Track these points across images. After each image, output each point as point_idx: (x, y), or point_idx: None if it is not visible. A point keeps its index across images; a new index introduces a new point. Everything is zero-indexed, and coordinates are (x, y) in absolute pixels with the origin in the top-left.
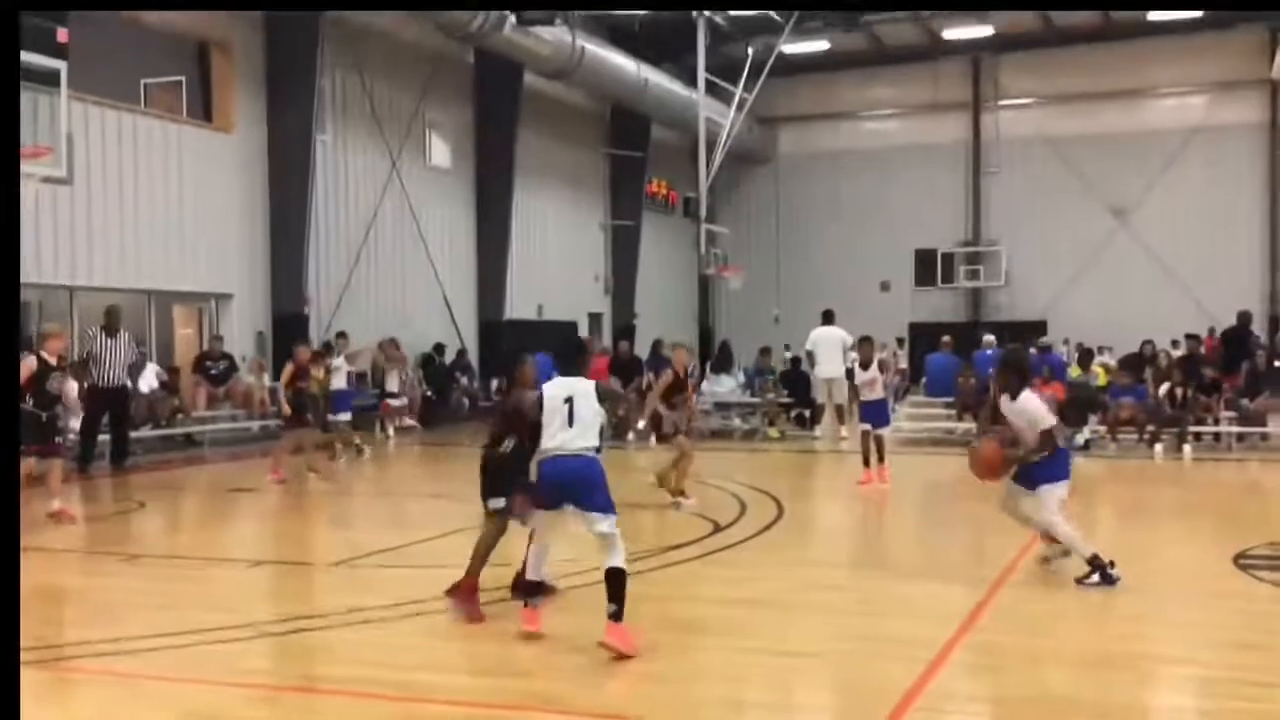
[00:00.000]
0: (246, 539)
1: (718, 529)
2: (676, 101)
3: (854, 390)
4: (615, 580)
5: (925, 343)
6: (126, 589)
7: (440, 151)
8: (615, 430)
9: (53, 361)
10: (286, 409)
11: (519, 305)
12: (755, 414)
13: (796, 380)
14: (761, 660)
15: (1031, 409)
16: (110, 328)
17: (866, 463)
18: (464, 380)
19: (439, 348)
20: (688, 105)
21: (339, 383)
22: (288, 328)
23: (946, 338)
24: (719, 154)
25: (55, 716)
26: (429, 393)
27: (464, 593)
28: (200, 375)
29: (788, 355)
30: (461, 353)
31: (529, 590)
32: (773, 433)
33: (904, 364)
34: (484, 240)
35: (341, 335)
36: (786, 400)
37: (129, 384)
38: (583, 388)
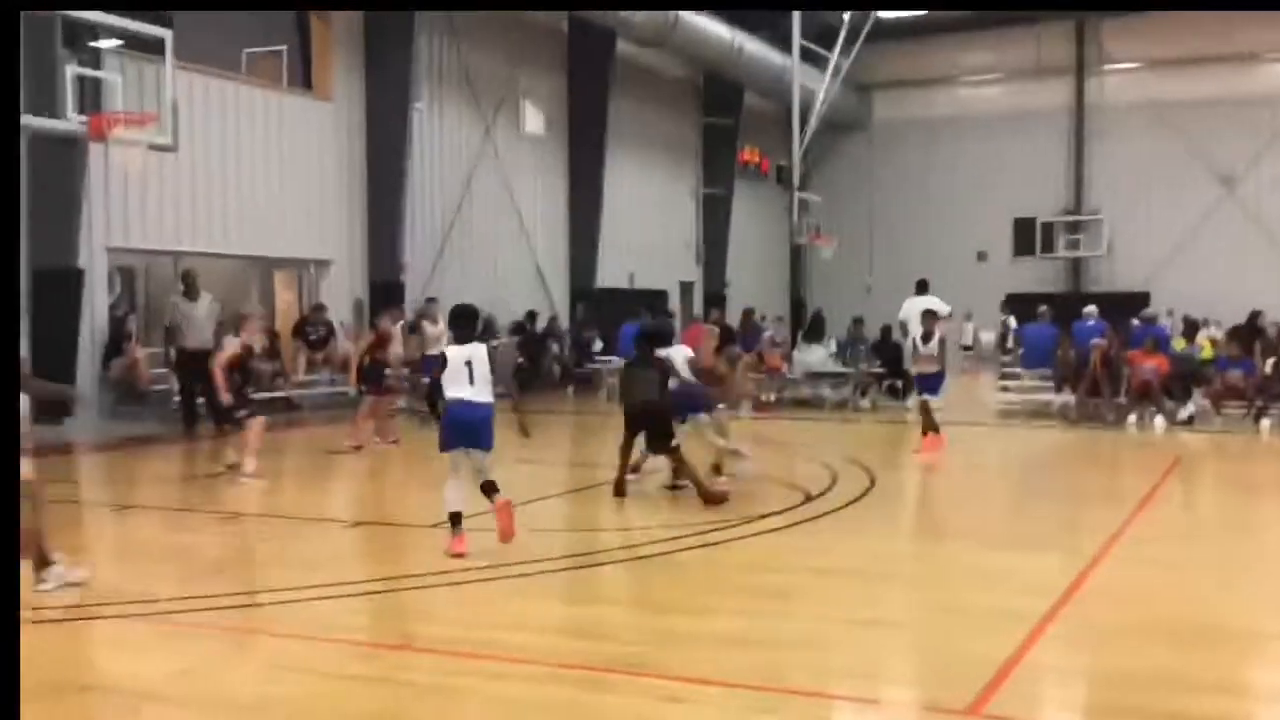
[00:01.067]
0: (343, 500)
1: (808, 499)
2: (770, 69)
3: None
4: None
5: (1023, 314)
6: (228, 547)
7: (534, 119)
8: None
9: (254, 344)
10: (353, 378)
11: (610, 273)
12: (847, 384)
13: (889, 350)
14: (850, 629)
15: None
16: (189, 291)
17: (925, 432)
18: (555, 348)
19: (531, 315)
20: (782, 72)
21: (437, 349)
22: (384, 294)
23: (1044, 308)
24: (813, 121)
25: (158, 669)
26: (521, 360)
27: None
28: (300, 340)
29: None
30: (553, 320)
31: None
32: (865, 403)
33: (990, 335)
34: (576, 208)
35: (432, 300)
36: (879, 371)
37: (213, 348)
38: (479, 352)
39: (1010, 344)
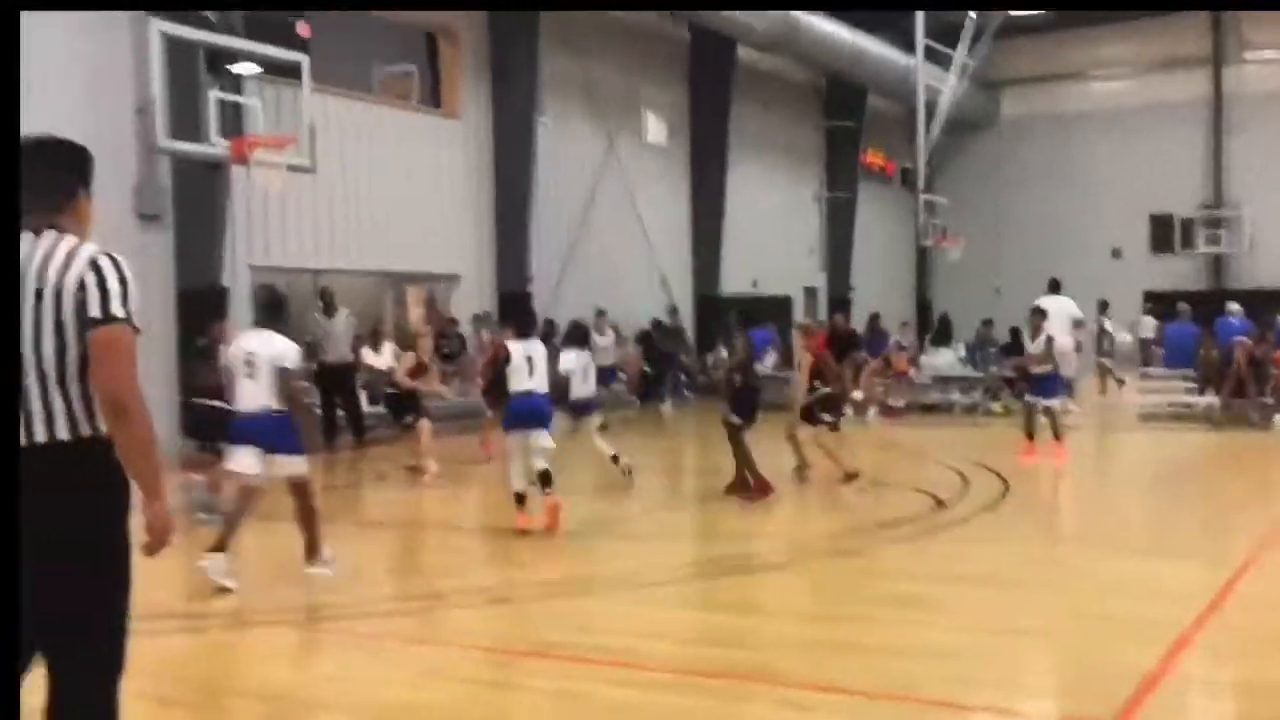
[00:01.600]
0: (476, 509)
1: (940, 505)
2: (893, 69)
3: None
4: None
5: (1162, 312)
6: (365, 555)
7: (656, 129)
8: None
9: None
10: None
11: (734, 280)
12: (976, 388)
13: (1020, 353)
14: (988, 639)
15: None
16: (328, 308)
17: (1029, 436)
18: (681, 355)
19: (656, 324)
20: (905, 73)
21: (606, 360)
22: (513, 306)
23: (1184, 306)
24: (938, 121)
25: (300, 675)
26: (647, 368)
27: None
28: (433, 353)
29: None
30: (679, 328)
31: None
32: (996, 408)
33: (1127, 335)
34: (699, 215)
35: (601, 313)
36: (1009, 374)
37: (353, 361)
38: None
39: (1144, 340)
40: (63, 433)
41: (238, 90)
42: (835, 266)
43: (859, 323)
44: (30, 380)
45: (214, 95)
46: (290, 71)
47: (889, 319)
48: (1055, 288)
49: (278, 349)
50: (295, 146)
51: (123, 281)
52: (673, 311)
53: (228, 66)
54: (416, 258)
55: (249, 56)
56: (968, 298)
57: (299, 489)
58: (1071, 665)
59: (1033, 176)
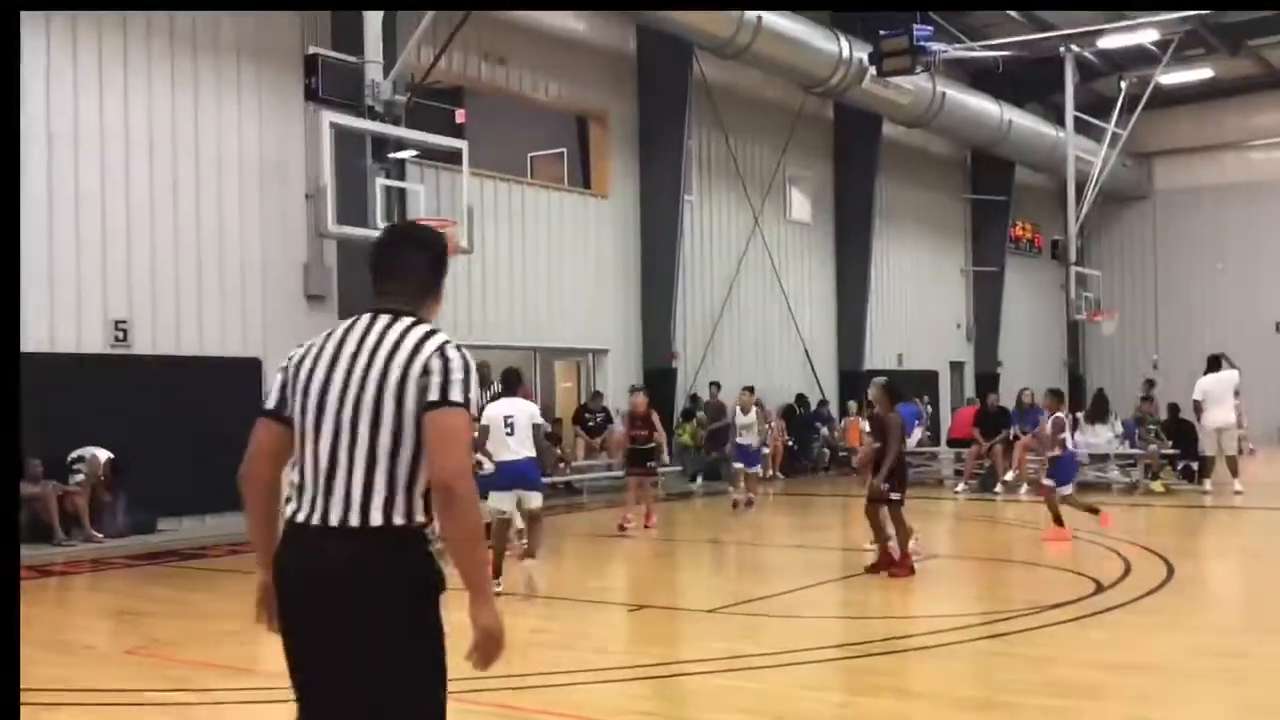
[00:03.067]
0: (625, 583)
1: (1100, 589)
2: (1042, 142)
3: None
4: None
5: None
6: (521, 627)
7: (800, 205)
8: (983, 482)
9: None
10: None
11: (879, 354)
12: (1136, 466)
13: (1181, 430)
14: None
15: None
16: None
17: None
18: (824, 430)
19: (800, 399)
20: (1054, 145)
21: (749, 439)
22: (658, 381)
23: None
24: (1089, 193)
25: None
26: (791, 443)
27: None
28: (579, 426)
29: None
30: (822, 403)
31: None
32: (1156, 486)
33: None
34: (843, 290)
35: (748, 389)
36: (1171, 452)
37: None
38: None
39: None
40: (377, 518)
41: (401, 176)
42: (982, 340)
43: (1007, 398)
44: (355, 460)
45: (380, 182)
46: (450, 157)
47: (1038, 395)
48: (1215, 364)
49: (531, 409)
50: (455, 229)
51: (465, 370)
52: (800, 400)
53: (391, 155)
54: (564, 333)
55: (412, 143)
56: (1121, 373)
57: (536, 516)
58: None
59: (1190, 248)
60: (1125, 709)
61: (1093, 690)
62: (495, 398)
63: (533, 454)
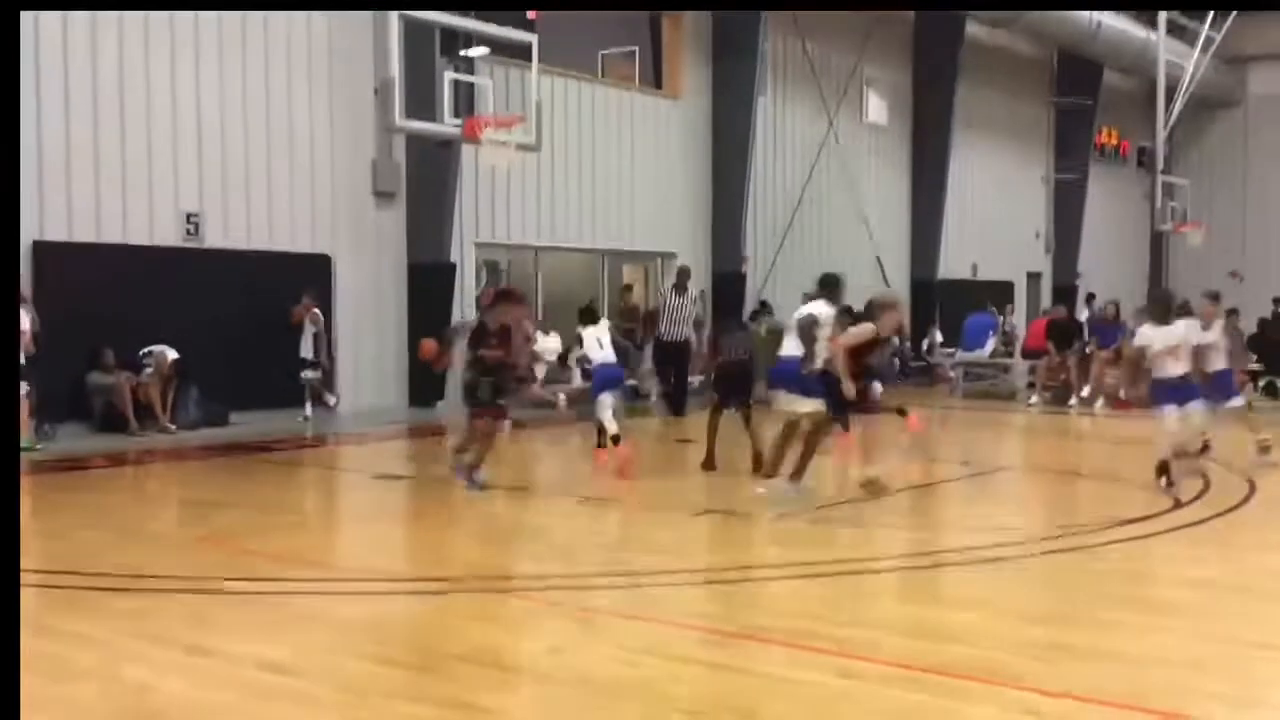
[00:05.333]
0: (689, 488)
1: (1179, 504)
2: (1131, 44)
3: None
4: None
5: None
6: (583, 529)
7: (876, 108)
8: (1057, 395)
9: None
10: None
11: (953, 263)
12: None
13: (1269, 346)
14: (1226, 649)
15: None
16: (679, 286)
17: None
18: (895, 340)
19: (869, 306)
20: (1144, 48)
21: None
22: (727, 286)
23: None
24: (1180, 99)
25: (517, 644)
26: None
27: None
28: (648, 330)
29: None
30: None
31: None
32: (1236, 402)
33: None
34: (918, 197)
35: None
36: (1255, 367)
37: (692, 339)
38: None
39: None
40: None
41: (470, 71)
42: (1061, 251)
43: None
44: None
45: (449, 76)
46: (519, 53)
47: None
48: None
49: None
50: (524, 126)
51: None
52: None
53: (461, 52)
54: (633, 237)
55: (481, 38)
56: (1206, 285)
57: (819, 425)
58: None
59: None
60: (1194, 626)
61: (1164, 606)
62: (496, 297)
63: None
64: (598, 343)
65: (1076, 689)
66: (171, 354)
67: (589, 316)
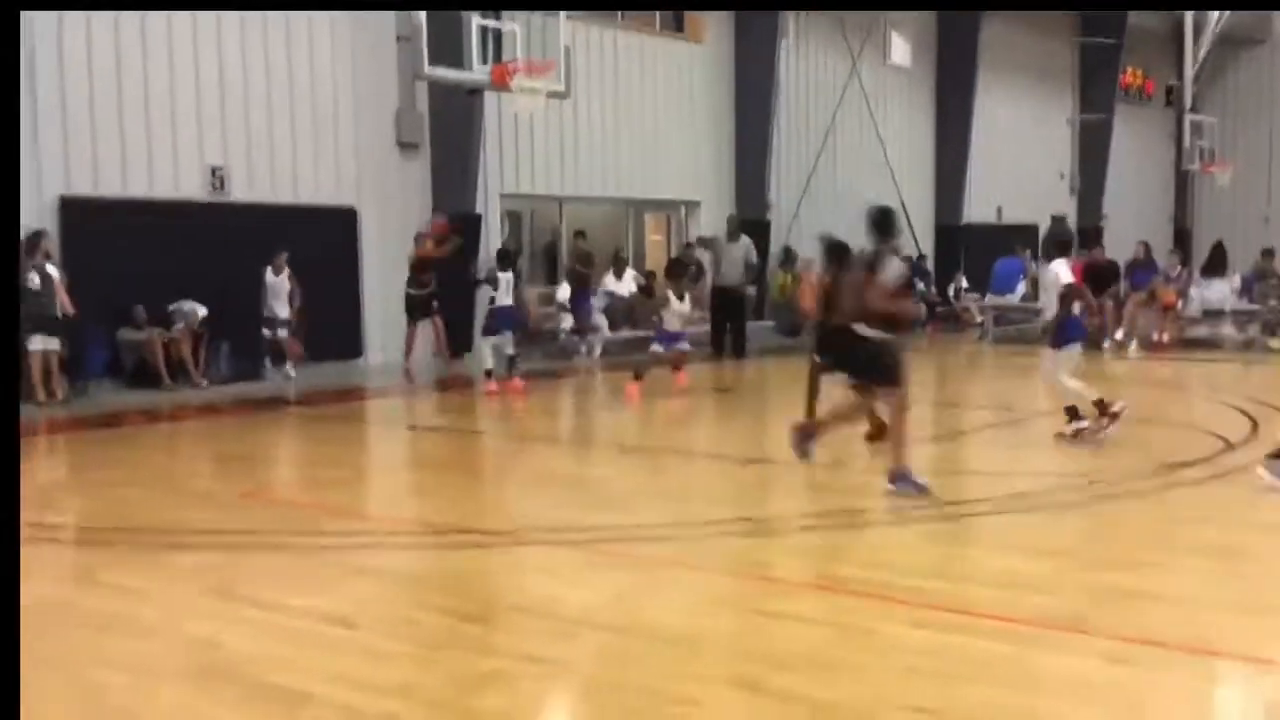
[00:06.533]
0: (737, 437)
1: (1229, 446)
2: None
3: None
4: None
5: None
6: (631, 479)
7: (900, 50)
8: (1090, 339)
9: None
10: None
11: (977, 208)
12: (1253, 322)
13: None
14: None
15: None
16: (731, 234)
17: None
18: (921, 285)
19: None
20: None
21: None
22: (751, 232)
23: None
24: (1207, 36)
25: (584, 595)
26: None
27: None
28: (672, 280)
29: None
30: (920, 257)
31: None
32: (1274, 343)
33: None
34: (942, 140)
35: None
36: None
37: (743, 285)
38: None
39: None
40: None
41: (497, 16)
42: (1087, 193)
43: (1118, 252)
44: None
45: (475, 21)
46: None
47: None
48: None
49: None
50: (552, 73)
51: None
52: (921, 257)
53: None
54: (657, 185)
55: None
56: (1234, 227)
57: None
58: None
59: None
60: (1267, 569)
61: (1235, 550)
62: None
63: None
64: (507, 285)
65: (1158, 636)
66: (201, 310)
67: (505, 260)
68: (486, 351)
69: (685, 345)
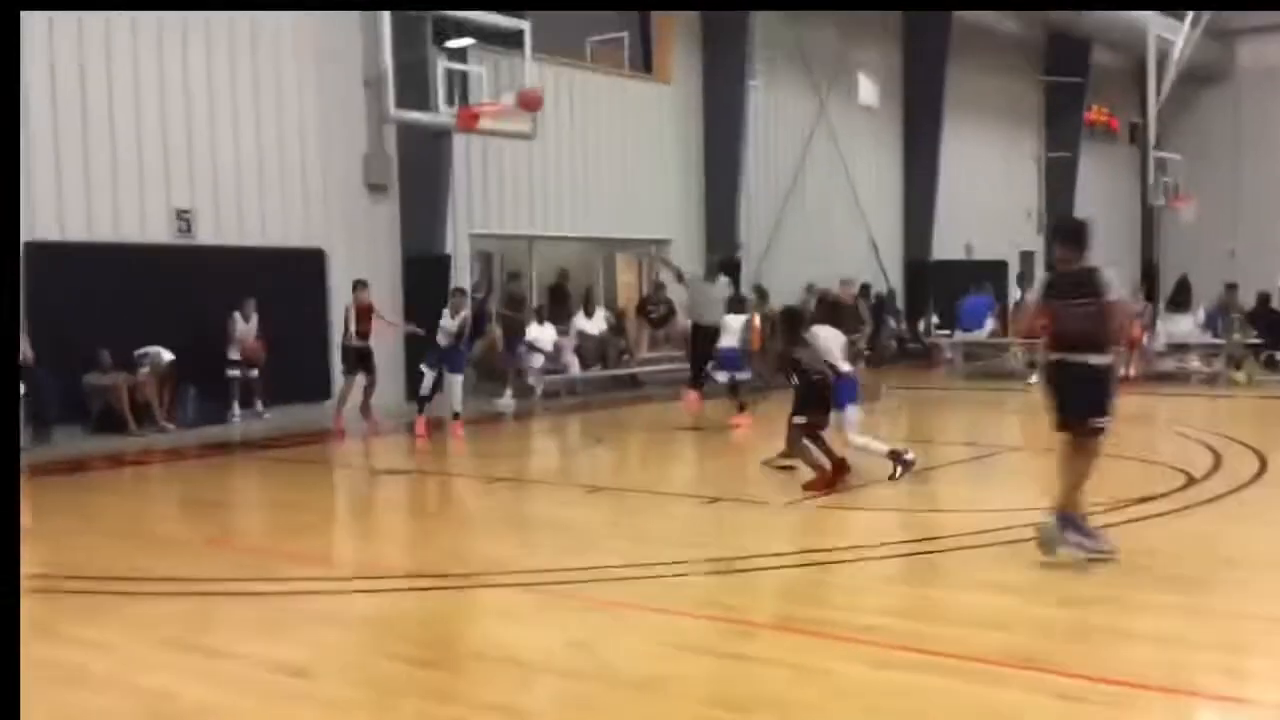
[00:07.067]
0: (696, 476)
1: (1192, 481)
2: (1119, 20)
3: None
4: None
5: None
6: (594, 520)
7: (868, 91)
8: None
9: None
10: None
11: (946, 245)
12: (1218, 356)
13: (1268, 319)
14: (1261, 626)
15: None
16: (710, 274)
17: None
18: (891, 322)
19: (864, 289)
20: (1133, 23)
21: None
22: (722, 273)
23: None
24: (1171, 73)
25: (550, 638)
26: (855, 337)
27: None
28: (642, 319)
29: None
30: (890, 294)
31: None
32: (1238, 377)
33: None
34: (911, 179)
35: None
36: (1256, 341)
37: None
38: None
39: None
40: None
41: (463, 60)
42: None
43: None
44: None
45: (441, 64)
46: (510, 40)
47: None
48: None
49: None
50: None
51: None
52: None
53: (448, 44)
54: (627, 224)
55: (472, 29)
56: (1199, 262)
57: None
58: None
59: (1272, 132)
60: (1228, 604)
61: (1197, 584)
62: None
63: None
64: (451, 321)
65: (1116, 673)
66: (167, 355)
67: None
68: (457, 392)
69: (744, 374)
